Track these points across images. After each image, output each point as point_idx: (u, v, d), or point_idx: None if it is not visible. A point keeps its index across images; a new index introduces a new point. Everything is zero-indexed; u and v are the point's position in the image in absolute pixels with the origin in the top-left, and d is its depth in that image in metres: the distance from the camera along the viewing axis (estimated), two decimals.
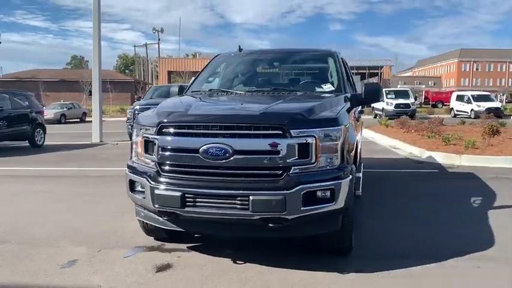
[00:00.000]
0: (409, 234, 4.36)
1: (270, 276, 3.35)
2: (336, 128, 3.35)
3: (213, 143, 3.20)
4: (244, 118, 3.29)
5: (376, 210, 5.24)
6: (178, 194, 3.26)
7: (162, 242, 4.08)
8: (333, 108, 3.71)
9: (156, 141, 3.40)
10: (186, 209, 3.29)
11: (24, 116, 12.82)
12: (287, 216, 3.16)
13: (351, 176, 3.42)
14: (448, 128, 13.81)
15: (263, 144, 3.18)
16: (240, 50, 5.34)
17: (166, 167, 3.39)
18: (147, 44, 60.18)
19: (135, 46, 78.71)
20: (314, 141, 3.22)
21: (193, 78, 5.23)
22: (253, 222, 3.26)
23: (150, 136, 3.46)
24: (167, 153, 3.36)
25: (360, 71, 47.30)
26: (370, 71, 51.35)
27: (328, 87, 4.46)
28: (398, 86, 50.25)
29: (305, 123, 3.26)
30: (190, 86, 4.97)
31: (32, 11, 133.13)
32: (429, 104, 48.36)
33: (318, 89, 4.49)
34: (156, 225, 3.67)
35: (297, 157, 3.19)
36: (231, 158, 3.17)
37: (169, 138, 3.37)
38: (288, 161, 3.17)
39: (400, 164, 8.58)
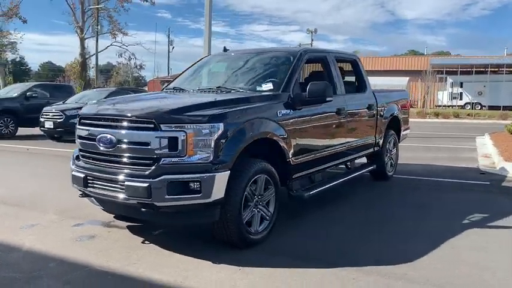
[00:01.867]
0: (338, 239, 4.20)
1: (161, 257, 3.70)
2: (211, 124, 3.54)
3: (104, 133, 3.71)
4: (127, 112, 3.72)
5: (336, 213, 5.06)
6: (82, 175, 3.88)
7: (114, 220, 4.72)
8: (228, 106, 3.84)
9: (77, 131, 4.07)
10: (88, 189, 3.89)
11: None
12: (155, 203, 3.50)
13: (226, 171, 3.55)
14: None
15: (138, 135, 3.57)
16: (225, 50, 5.70)
17: (80, 153, 4.03)
18: (301, 44, 62.09)
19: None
20: (184, 136, 3.47)
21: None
22: (134, 205, 3.67)
23: (77, 126, 4.14)
24: (80, 140, 4.01)
25: None
26: None
27: (267, 86, 4.53)
28: None
29: (176, 119, 3.54)
30: (171, 83, 5.51)
31: (213, 18, 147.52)
32: None
33: (258, 88, 4.59)
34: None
35: (167, 149, 3.49)
36: (115, 147, 3.65)
37: (81, 127, 4.01)
38: (157, 152, 3.50)
39: (455, 173, 7.66)
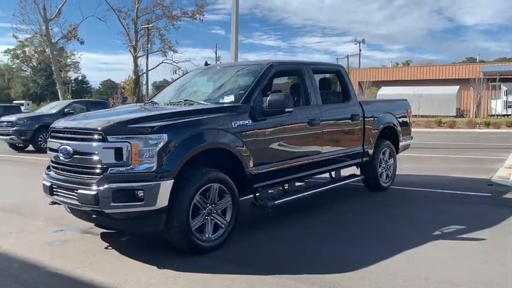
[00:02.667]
0: (294, 248, 4.26)
1: (115, 261, 3.95)
2: (155, 135, 3.75)
3: (64, 145, 4.03)
4: (81, 125, 4.04)
5: (304, 223, 5.06)
6: (49, 184, 4.21)
7: (93, 227, 5.02)
8: (177, 118, 4.04)
9: (48, 143, 4.43)
10: (53, 196, 4.21)
11: None
12: (103, 210, 3.75)
13: (170, 180, 3.74)
14: None
15: (88, 147, 3.86)
16: (206, 64, 5.95)
17: (50, 163, 4.38)
18: (349, 56, 61.52)
19: (337, 59, 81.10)
20: (129, 147, 3.71)
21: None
22: (88, 212, 3.94)
23: None
24: (49, 152, 4.36)
25: None
26: None
27: (229, 98, 4.69)
28: None
29: (122, 130, 3.79)
30: (153, 96, 5.84)
31: (266, 32, 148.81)
32: None
33: (220, 100, 4.76)
34: None
35: (113, 159, 3.74)
36: (72, 157, 3.95)
37: (50, 140, 4.38)
38: (105, 162, 3.76)
39: (461, 184, 7.38)
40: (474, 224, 4.88)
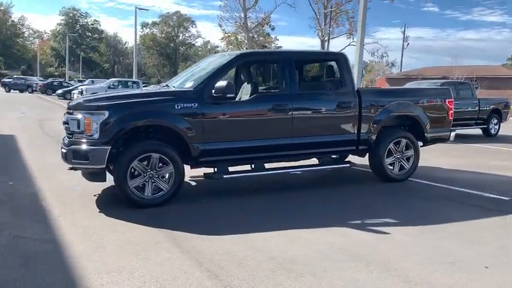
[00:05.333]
0: (232, 219, 4.94)
1: (79, 213, 5.35)
2: (99, 111, 4.92)
3: (65, 117, 5.53)
4: (68, 105, 5.45)
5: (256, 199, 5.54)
6: (65, 151, 5.78)
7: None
8: (119, 99, 5.17)
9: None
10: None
11: None
12: (70, 165, 5.15)
13: (106, 147, 4.87)
14: None
15: (68, 119, 5.22)
16: (215, 52, 6.77)
17: None
18: None
19: None
20: (84, 119, 4.98)
21: None
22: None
23: None
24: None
25: None
26: None
27: (189, 84, 5.52)
28: None
29: (81, 107, 5.07)
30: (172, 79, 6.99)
31: (489, 6, 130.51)
32: None
33: (183, 86, 5.62)
34: None
35: (76, 128, 5.06)
36: (65, 126, 5.42)
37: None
38: (72, 129, 5.10)
39: (487, 184, 6.58)
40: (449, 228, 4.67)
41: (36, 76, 61.11)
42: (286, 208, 5.24)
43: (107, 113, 4.91)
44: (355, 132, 6.17)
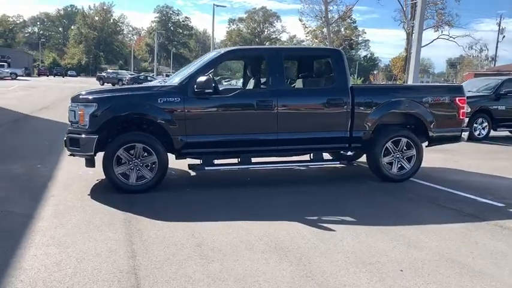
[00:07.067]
0: (198, 208, 5.26)
1: (79, 192, 5.98)
2: (89, 104, 5.47)
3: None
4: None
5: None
6: (65, 138, 6.43)
7: None
8: (109, 93, 5.68)
9: None
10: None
11: None
12: (69, 152, 5.77)
13: (94, 136, 5.39)
14: None
15: (69, 109, 5.85)
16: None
17: None
18: None
19: None
20: (78, 110, 5.56)
21: None
22: None
23: None
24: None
25: None
26: None
27: (176, 80, 5.85)
28: None
29: (76, 99, 5.66)
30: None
31: None
32: None
33: (170, 81, 5.98)
34: None
35: (73, 118, 5.67)
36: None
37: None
38: (71, 119, 5.73)
39: (491, 188, 6.01)
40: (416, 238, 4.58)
41: (131, 70, 65.87)
42: (255, 200, 5.40)
43: (95, 105, 5.43)
44: (347, 129, 6.08)
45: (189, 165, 5.93)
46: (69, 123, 5.82)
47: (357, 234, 4.21)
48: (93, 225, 4.37)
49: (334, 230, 4.32)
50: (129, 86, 6.51)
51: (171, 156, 5.82)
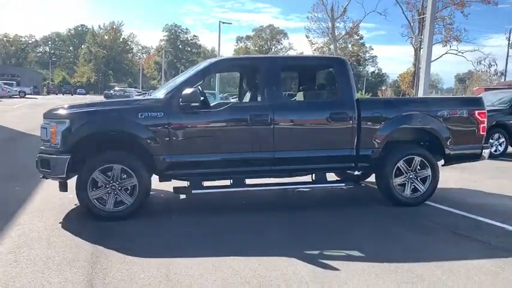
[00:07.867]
0: (179, 236, 4.58)
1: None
2: (60, 120, 4.86)
3: None
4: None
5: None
6: (36, 159, 5.79)
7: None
8: (81, 108, 5.04)
9: None
10: None
11: None
12: (41, 173, 5.16)
13: (66, 156, 4.77)
14: None
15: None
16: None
17: None
18: None
19: None
20: (49, 127, 4.96)
21: None
22: None
23: None
24: None
25: None
26: None
27: (163, 91, 5.23)
28: None
29: (49, 115, 5.05)
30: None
31: None
32: None
33: (155, 94, 5.35)
34: None
35: (45, 136, 5.06)
36: None
37: None
38: (42, 138, 5.12)
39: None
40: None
41: (139, 88, 65.88)
42: (247, 230, 4.71)
43: (68, 122, 4.83)
44: (353, 147, 5.39)
45: (174, 188, 5.24)
46: (42, 141, 5.22)
47: (365, 275, 3.49)
48: (52, 262, 3.71)
49: (337, 269, 3.61)
50: (110, 100, 5.92)
51: (155, 178, 5.20)
